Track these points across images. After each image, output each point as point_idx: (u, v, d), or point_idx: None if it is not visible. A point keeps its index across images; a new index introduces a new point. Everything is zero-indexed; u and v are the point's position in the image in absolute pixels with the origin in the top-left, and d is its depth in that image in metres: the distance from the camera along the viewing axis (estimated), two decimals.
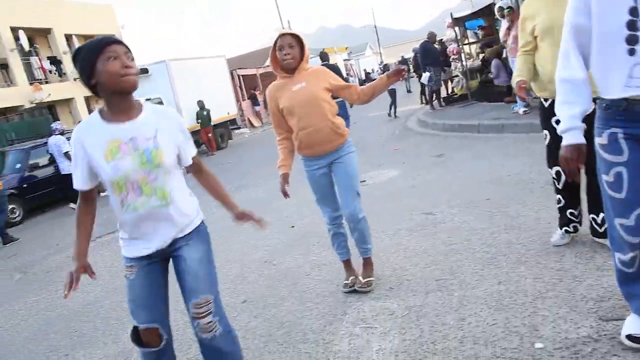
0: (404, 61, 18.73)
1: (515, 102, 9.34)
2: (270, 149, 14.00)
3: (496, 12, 10.05)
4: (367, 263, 3.60)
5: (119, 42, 2.04)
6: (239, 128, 21.23)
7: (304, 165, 3.48)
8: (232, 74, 22.66)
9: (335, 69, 13.08)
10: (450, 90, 14.68)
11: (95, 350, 3.62)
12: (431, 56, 13.40)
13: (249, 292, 3.97)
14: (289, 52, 3.18)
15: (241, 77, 25.42)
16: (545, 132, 3.44)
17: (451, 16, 13.42)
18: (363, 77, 42.01)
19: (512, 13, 8.90)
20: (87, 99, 23.27)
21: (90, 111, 22.75)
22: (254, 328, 3.34)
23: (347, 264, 3.64)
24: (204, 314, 2.17)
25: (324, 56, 13.48)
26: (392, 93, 14.65)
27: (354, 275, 3.57)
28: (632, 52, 1.86)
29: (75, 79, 22.63)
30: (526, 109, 8.83)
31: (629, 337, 2.23)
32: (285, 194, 3.33)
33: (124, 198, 2.10)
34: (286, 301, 3.63)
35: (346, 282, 3.55)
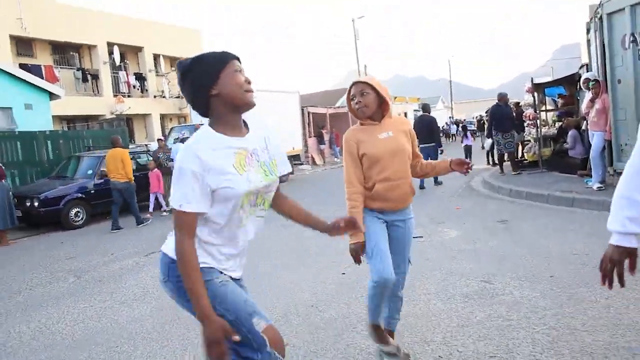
0: (481, 119, 18.26)
1: (590, 176, 8.94)
2: (329, 186, 14.04)
3: (581, 83, 9.76)
4: (393, 337, 3.27)
5: (239, 59, 2.01)
6: (301, 164, 21.45)
7: (366, 218, 3.03)
8: (302, 110, 23.10)
9: (434, 122, 13.04)
10: (520, 155, 14.28)
11: None
12: (499, 120, 12.37)
13: (291, 335, 3.87)
14: (360, 100, 2.98)
15: (311, 115, 25.85)
16: None
17: (531, 81, 13.18)
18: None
19: (597, 86, 8.62)
20: (162, 117, 24.33)
21: (163, 127, 23.75)
22: None
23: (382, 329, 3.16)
24: None
25: (425, 107, 13.53)
26: (468, 149, 14.40)
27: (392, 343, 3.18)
28: None
29: (155, 97, 23.81)
30: (601, 186, 8.42)
31: None
32: (359, 260, 2.96)
33: (242, 214, 1.99)
34: (329, 353, 3.50)
35: (389, 349, 3.15)
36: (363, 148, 2.99)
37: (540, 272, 4.81)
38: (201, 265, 1.89)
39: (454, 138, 42.05)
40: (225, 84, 1.91)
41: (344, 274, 5.43)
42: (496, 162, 14.08)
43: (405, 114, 39.82)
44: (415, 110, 41.56)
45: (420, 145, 12.85)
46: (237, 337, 1.84)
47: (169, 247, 2.01)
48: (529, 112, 13.18)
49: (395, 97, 47.51)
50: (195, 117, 17.44)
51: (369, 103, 2.99)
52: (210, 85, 1.91)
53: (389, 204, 3.04)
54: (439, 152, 12.40)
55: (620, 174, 7.62)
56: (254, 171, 1.98)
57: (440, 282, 4.78)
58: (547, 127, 14.20)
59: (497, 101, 12.62)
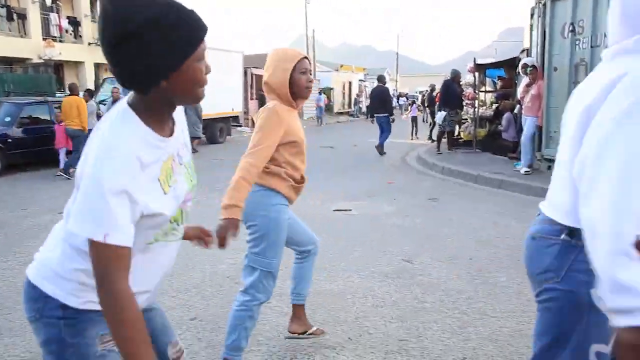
0: (431, 91, 18.45)
1: (519, 159, 9.16)
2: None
3: (520, 68, 9.91)
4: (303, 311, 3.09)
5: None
6: (240, 126, 20.98)
7: (280, 211, 2.63)
8: (245, 71, 22.47)
9: (386, 92, 13.34)
10: (457, 134, 14.51)
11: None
12: (452, 96, 12.67)
13: (201, 308, 3.70)
14: (311, 80, 2.66)
15: (254, 76, 25.25)
16: None
17: (474, 61, 13.31)
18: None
19: (535, 72, 8.75)
20: (97, 66, 23.03)
21: (98, 77, 22.50)
22: (195, 353, 3.07)
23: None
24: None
25: (380, 78, 14.01)
26: (414, 119, 14.92)
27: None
28: None
29: (90, 44, 22.45)
30: (528, 170, 8.64)
31: None
32: (224, 244, 2.33)
33: (165, 232, 1.44)
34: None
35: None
36: (293, 134, 2.59)
37: (461, 253, 4.85)
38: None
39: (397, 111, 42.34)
40: (183, 78, 1.31)
41: None
42: (434, 138, 14.29)
43: (350, 84, 39.69)
44: (360, 80, 41.55)
45: (375, 115, 13.02)
46: None
47: (39, 270, 1.41)
48: (468, 91, 13.35)
49: (342, 66, 47.26)
50: None
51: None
52: (169, 69, 1.28)
53: (297, 197, 2.76)
54: (390, 121, 13.07)
55: (548, 160, 7.80)
56: (182, 180, 1.48)
57: (363, 259, 4.72)
58: (484, 107, 14.45)
59: (450, 78, 12.79)
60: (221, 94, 16.58)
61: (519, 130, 9.66)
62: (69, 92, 10.48)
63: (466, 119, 14.04)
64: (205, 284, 4.18)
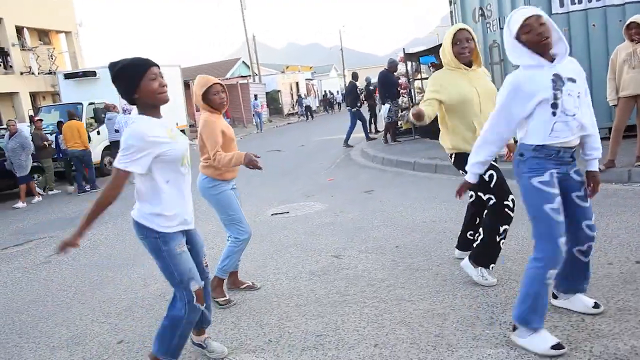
0: (367, 85, 18.73)
1: None
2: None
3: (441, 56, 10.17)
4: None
5: (157, 65, 2.61)
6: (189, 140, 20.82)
7: (219, 187, 3.89)
8: (187, 84, 22.31)
9: (354, 88, 14.28)
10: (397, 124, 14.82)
11: None
12: (390, 87, 12.88)
13: (129, 330, 3.75)
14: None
15: None
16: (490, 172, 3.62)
17: (404, 51, 13.59)
18: (321, 97, 42.05)
19: None
20: (33, 95, 22.46)
21: (34, 107, 22.05)
22: None
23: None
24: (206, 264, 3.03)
25: (354, 75, 14.99)
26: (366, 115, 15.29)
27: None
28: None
29: (22, 73, 21.86)
30: None
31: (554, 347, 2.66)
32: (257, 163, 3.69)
33: (183, 170, 2.71)
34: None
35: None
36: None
37: (388, 242, 5.02)
38: (167, 231, 2.67)
39: (339, 107, 42.24)
40: (143, 91, 2.57)
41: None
42: (379, 130, 14.56)
43: (297, 84, 39.81)
44: (307, 79, 41.73)
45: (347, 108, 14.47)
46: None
47: (139, 215, 2.68)
48: (402, 81, 13.63)
49: (287, 67, 47.34)
50: (65, 97, 16.28)
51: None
52: (133, 91, 2.58)
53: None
54: (355, 113, 14.07)
55: None
56: (180, 139, 2.70)
57: (292, 260, 4.84)
58: (422, 94, 14.78)
59: (386, 69, 12.95)
60: (163, 110, 16.42)
61: None
62: (67, 119, 11.76)
63: (405, 108, 14.33)
64: (136, 306, 4.22)
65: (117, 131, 12.05)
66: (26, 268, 5.92)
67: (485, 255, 3.70)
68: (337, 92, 45.05)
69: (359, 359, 2.91)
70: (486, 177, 3.62)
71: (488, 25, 8.16)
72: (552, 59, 2.75)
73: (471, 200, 4.11)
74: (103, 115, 13.34)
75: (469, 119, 3.69)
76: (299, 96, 37.46)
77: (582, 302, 3.07)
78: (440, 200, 6.55)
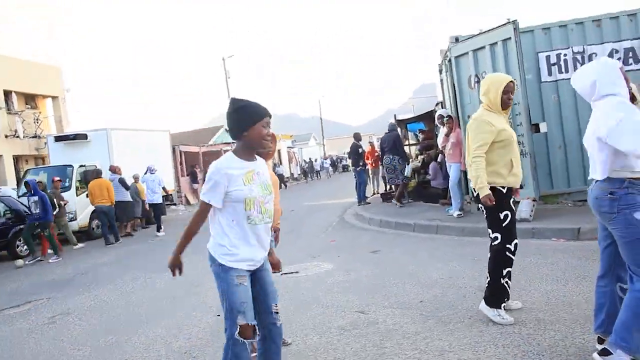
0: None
1: (451, 204, 9.62)
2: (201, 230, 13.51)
3: (436, 120, 10.57)
4: None
5: (269, 115, 2.84)
6: (174, 204, 20.69)
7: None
8: (174, 149, 22.45)
9: (356, 147, 14.47)
10: (389, 188, 15.04)
11: None
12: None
13: None
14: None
15: (183, 153, 25.22)
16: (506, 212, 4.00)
17: (394, 118, 14.04)
18: (304, 164, 42.45)
19: (450, 121, 9.40)
20: (16, 158, 22.24)
21: (17, 170, 21.78)
22: None
23: None
24: (278, 311, 3.03)
25: (356, 136, 15.18)
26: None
27: None
28: None
29: (7, 136, 21.73)
30: (460, 213, 9.09)
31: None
32: None
33: (250, 214, 2.80)
34: None
35: None
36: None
37: (410, 298, 5.01)
38: (228, 265, 2.82)
39: (318, 175, 42.56)
40: (253, 133, 2.80)
41: (219, 315, 5.22)
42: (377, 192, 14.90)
43: (279, 151, 40.32)
44: (288, 147, 42.30)
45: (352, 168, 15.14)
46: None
47: (210, 245, 2.90)
48: (368, 148, 14.01)
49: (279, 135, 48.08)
50: (54, 159, 16.16)
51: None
52: (245, 130, 2.80)
53: None
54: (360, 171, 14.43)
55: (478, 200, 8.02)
56: (258, 185, 2.85)
57: (317, 317, 4.77)
58: (411, 160, 15.14)
59: (389, 130, 13.09)
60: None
61: (446, 177, 10.20)
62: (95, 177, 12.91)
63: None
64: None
65: (153, 192, 14.07)
66: (30, 329, 5.69)
67: (495, 297, 4.02)
68: (315, 160, 45.65)
69: None
70: (501, 216, 3.86)
71: None
72: None
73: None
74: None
75: (508, 157, 3.95)
76: (275, 164, 37.74)
77: None
78: (449, 258, 6.59)
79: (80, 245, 12.61)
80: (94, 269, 9.19)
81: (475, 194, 4.15)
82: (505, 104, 4.10)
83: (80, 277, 8.52)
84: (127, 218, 14.10)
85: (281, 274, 6.79)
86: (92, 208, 13.80)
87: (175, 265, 2.98)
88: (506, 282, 4.04)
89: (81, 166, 14.29)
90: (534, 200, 7.85)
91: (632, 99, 3.04)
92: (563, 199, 8.79)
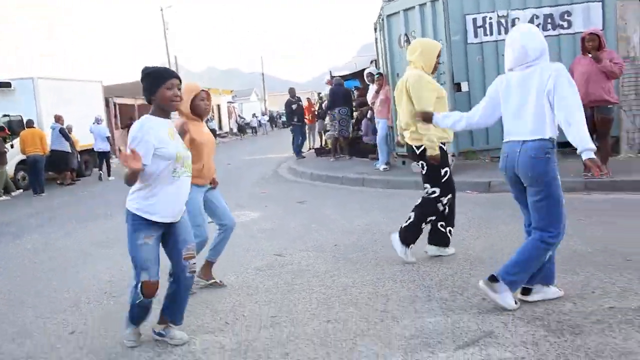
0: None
1: (378, 159, 10.01)
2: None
3: (365, 78, 10.82)
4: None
5: (177, 76, 3.01)
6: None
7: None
8: (107, 101, 21.76)
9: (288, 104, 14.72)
10: (323, 143, 15.34)
11: None
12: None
13: (80, 323, 3.77)
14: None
15: (117, 106, 24.49)
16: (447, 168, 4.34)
17: (330, 74, 14.20)
18: (240, 120, 41.87)
19: (381, 78, 9.67)
20: None
21: None
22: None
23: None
24: (191, 257, 3.19)
25: (291, 92, 15.21)
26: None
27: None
28: None
29: None
30: (386, 167, 9.50)
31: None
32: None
33: (176, 167, 3.01)
34: (118, 333, 3.49)
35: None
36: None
37: (327, 243, 5.34)
38: (143, 216, 3.00)
39: (254, 131, 42.14)
40: (159, 96, 2.98)
41: None
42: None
43: (219, 107, 39.72)
44: (228, 102, 41.71)
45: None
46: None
47: (128, 202, 3.06)
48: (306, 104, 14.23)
49: (209, 89, 47.05)
50: None
51: None
52: (153, 93, 3.00)
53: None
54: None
55: (402, 156, 9.15)
56: (179, 142, 3.11)
57: (237, 259, 5.01)
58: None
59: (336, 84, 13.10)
60: (83, 126, 15.93)
61: (375, 132, 10.55)
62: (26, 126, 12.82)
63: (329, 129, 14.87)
64: (82, 302, 4.22)
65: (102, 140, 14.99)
66: None
67: (410, 235, 4.35)
68: (254, 115, 45.13)
69: (314, 333, 3.17)
70: (442, 172, 4.27)
71: None
72: None
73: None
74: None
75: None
76: (210, 118, 37.26)
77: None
78: (373, 208, 6.98)
79: (18, 192, 12.90)
80: (20, 220, 9.04)
81: (416, 151, 4.35)
82: (436, 67, 4.44)
83: (4, 227, 8.38)
84: (65, 168, 14.16)
85: (208, 222, 6.98)
86: (18, 159, 13.38)
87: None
88: (424, 228, 4.39)
89: (4, 115, 13.70)
90: (452, 156, 8.32)
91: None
92: (482, 155, 9.35)
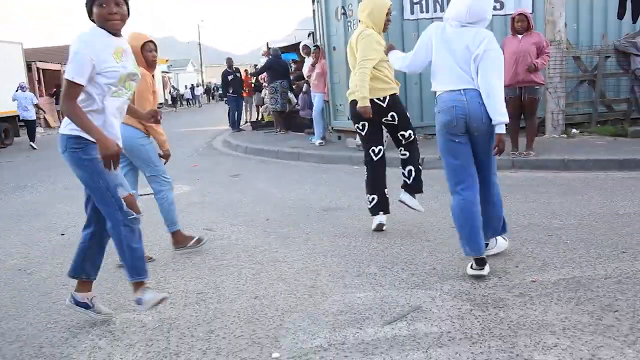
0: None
1: (314, 134, 9.94)
2: (56, 154, 12.77)
3: (301, 50, 10.66)
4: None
5: None
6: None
7: (146, 139, 4.02)
8: (30, 66, 20.42)
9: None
10: (259, 116, 15.10)
11: None
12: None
13: None
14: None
15: (41, 71, 23.06)
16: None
17: (267, 45, 13.90)
18: (173, 91, 40.58)
19: (317, 51, 9.54)
20: None
21: None
22: None
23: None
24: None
25: (228, 62, 14.67)
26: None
27: None
28: None
29: None
30: (322, 141, 9.45)
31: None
32: None
33: (118, 88, 2.78)
34: (30, 313, 3.27)
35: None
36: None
37: (258, 216, 5.23)
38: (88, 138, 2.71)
39: (188, 103, 41.07)
40: (96, 15, 2.72)
41: (63, 234, 5.09)
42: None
43: (153, 76, 38.26)
44: (163, 72, 40.21)
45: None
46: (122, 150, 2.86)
47: (64, 128, 2.76)
48: (263, 75, 13.91)
49: None
50: None
51: None
52: (90, 13, 2.75)
53: None
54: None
55: (337, 131, 9.27)
56: (128, 62, 2.83)
57: (164, 234, 4.79)
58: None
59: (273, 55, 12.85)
60: (1, 92, 14.89)
61: (311, 106, 10.45)
62: None
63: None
64: None
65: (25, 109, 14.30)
66: None
67: (420, 183, 4.52)
68: (189, 86, 43.78)
69: (241, 309, 3.08)
70: (408, 115, 4.44)
71: (349, 24, 8.76)
72: None
73: (377, 158, 4.52)
74: None
75: (384, 71, 4.29)
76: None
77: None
78: (305, 182, 6.91)
79: None
80: None
81: (382, 104, 4.31)
82: (386, 26, 4.42)
83: None
84: None
85: (139, 195, 6.69)
86: None
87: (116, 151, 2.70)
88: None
89: None
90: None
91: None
92: (417, 132, 9.46)
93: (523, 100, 6.73)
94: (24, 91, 14.98)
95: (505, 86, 6.51)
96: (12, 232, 5.34)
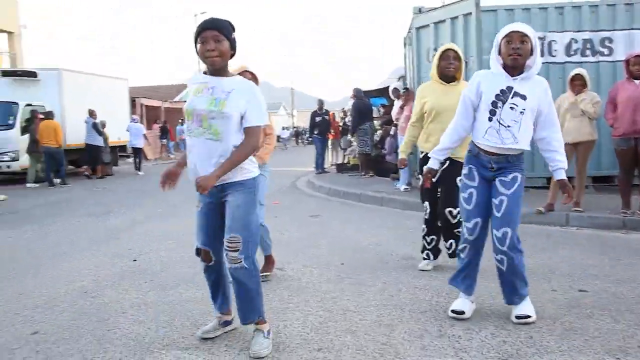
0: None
1: (399, 179, 9.54)
2: (149, 184, 13.23)
3: (391, 93, 10.41)
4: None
5: (210, 28, 2.69)
6: (128, 156, 20.08)
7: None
8: (134, 101, 21.79)
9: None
10: (345, 160, 14.92)
11: None
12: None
13: (46, 323, 3.38)
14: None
15: (144, 107, 24.56)
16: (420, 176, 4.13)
17: (353, 90, 13.80)
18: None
19: (407, 93, 9.24)
20: None
21: None
22: None
23: None
24: (233, 249, 2.75)
25: (319, 103, 14.84)
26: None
27: None
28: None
29: None
30: (407, 187, 9.02)
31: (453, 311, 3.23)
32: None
33: (189, 125, 2.81)
34: (83, 339, 3.10)
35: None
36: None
37: (333, 260, 4.88)
38: None
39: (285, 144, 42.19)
40: (198, 51, 2.76)
41: (135, 260, 5.01)
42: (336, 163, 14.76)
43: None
44: None
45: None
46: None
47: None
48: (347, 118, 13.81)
49: None
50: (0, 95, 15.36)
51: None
52: (196, 49, 2.78)
53: None
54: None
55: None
56: (203, 99, 2.76)
57: None
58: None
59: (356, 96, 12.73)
60: (107, 122, 15.78)
61: (397, 150, 10.08)
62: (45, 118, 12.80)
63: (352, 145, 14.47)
64: (57, 300, 3.84)
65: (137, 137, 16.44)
66: None
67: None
68: (282, 128, 45.38)
69: None
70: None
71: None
72: (518, 73, 2.93)
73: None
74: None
75: (444, 126, 3.75)
76: None
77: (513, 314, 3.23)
78: (387, 228, 6.51)
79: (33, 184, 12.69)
80: (27, 209, 8.80)
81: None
82: (443, 71, 4.15)
83: (9, 215, 8.13)
84: (96, 162, 14.72)
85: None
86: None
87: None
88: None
89: (28, 105, 13.62)
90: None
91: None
92: None
93: (639, 151, 5.96)
94: (135, 122, 17.53)
95: (618, 136, 5.96)
96: (90, 254, 5.35)
